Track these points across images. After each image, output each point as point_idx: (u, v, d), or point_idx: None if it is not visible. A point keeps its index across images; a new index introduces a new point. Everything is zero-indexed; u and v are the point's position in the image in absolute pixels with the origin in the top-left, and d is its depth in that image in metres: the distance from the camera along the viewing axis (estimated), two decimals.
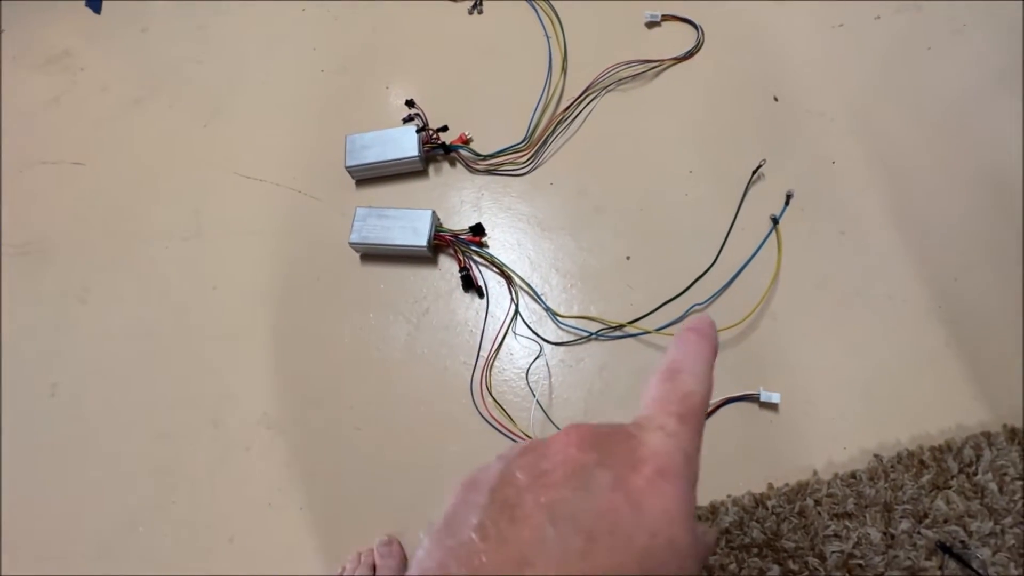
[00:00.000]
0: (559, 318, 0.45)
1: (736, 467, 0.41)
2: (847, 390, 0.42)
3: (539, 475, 0.17)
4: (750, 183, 0.48)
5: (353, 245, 0.49)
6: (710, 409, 0.41)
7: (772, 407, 0.42)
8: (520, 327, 0.46)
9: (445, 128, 0.52)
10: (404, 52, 0.60)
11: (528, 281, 0.47)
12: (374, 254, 0.50)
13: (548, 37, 0.57)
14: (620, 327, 0.45)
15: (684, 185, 0.50)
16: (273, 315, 0.49)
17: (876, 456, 0.40)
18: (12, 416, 0.50)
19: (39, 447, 0.48)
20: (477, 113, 0.54)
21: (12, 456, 0.48)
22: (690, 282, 0.45)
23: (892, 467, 0.39)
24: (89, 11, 0.69)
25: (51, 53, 0.67)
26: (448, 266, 0.49)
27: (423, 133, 0.51)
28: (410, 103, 0.53)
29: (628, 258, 0.48)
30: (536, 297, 0.46)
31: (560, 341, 0.45)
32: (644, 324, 0.45)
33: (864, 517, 0.38)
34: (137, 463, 0.46)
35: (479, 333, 0.46)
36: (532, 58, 0.56)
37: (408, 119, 0.53)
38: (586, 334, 0.45)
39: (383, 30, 0.61)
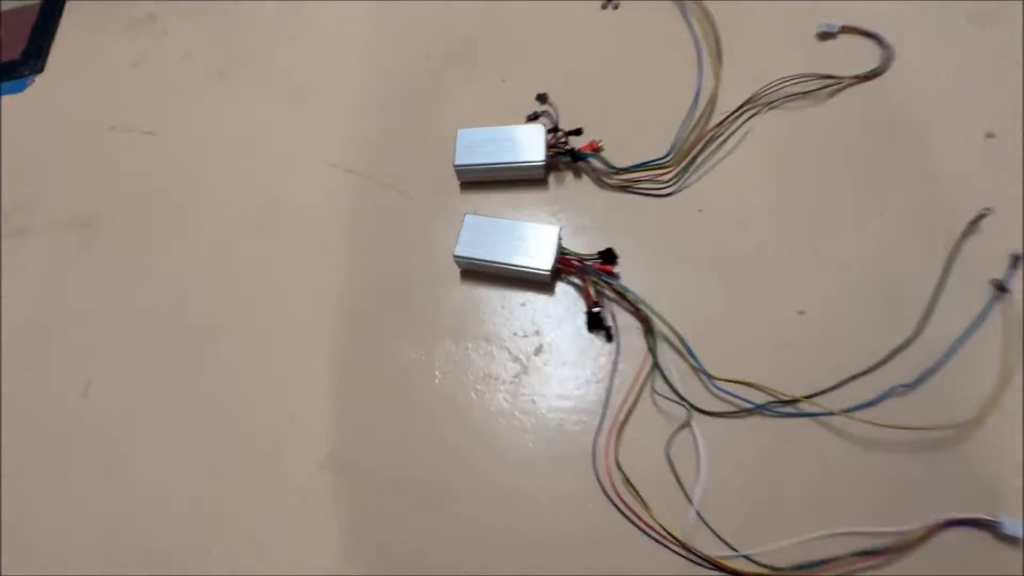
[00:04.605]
0: (714, 380, 0.36)
1: None
2: None
3: None
4: (964, 235, 0.39)
5: (458, 259, 0.40)
6: (923, 533, 0.31)
7: (1015, 542, 0.31)
8: (660, 385, 0.37)
9: (579, 131, 0.44)
10: (524, 44, 0.52)
11: (673, 327, 0.38)
12: (479, 271, 0.42)
13: (698, 39, 0.49)
14: (795, 402, 0.35)
15: (873, 228, 0.40)
16: (351, 332, 0.41)
17: None
18: (39, 411, 0.42)
19: (60, 454, 0.41)
20: (607, 120, 0.46)
21: (30, 460, 0.41)
22: (886, 353, 0.35)
23: None
24: None
25: (135, 16, 0.62)
26: (566, 295, 0.41)
27: (551, 135, 0.43)
28: (542, 98, 0.45)
29: (801, 313, 0.38)
30: (685, 349, 0.37)
31: (714, 411, 0.35)
32: (826, 401, 0.35)
33: None
34: (170, 493, 0.38)
35: (605, 386, 0.37)
36: (677, 62, 0.48)
37: (533, 117, 0.45)
38: (750, 405, 0.35)
39: (502, 18, 0.54)
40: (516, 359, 0.39)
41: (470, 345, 0.40)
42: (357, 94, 0.52)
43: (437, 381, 0.39)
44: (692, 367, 0.37)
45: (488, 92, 0.50)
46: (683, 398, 0.36)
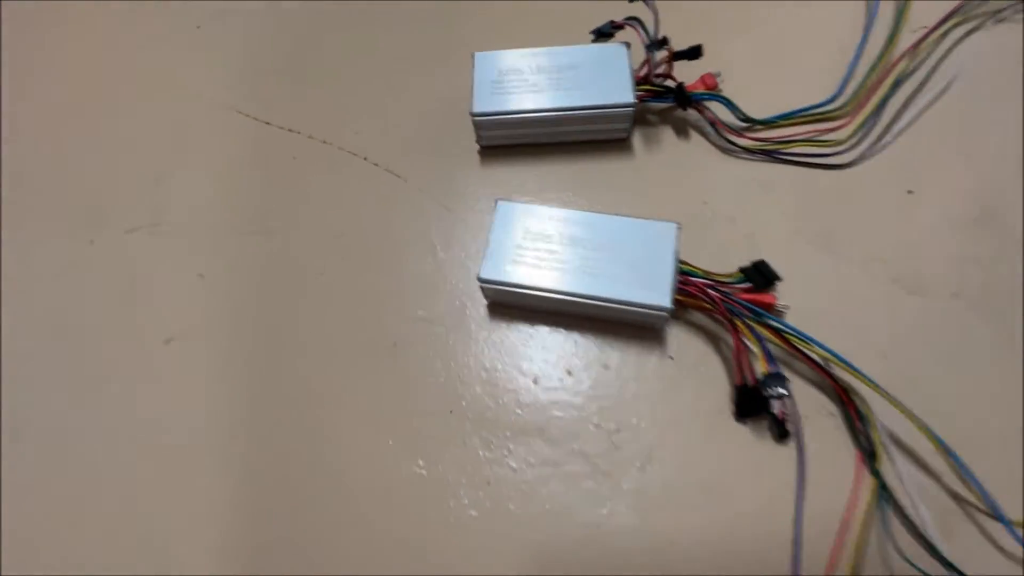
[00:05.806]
0: (1015, 529, 0.18)
1: None
2: None
3: None
4: None
5: (486, 285, 0.22)
6: None
7: None
8: (897, 531, 0.19)
9: (696, 52, 0.25)
10: None
11: (910, 411, 0.20)
12: (521, 306, 0.24)
13: None
14: None
15: None
16: (287, 421, 0.23)
17: None
18: None
19: None
20: (721, 46, 0.28)
21: None
22: None
23: None
24: None
25: None
26: (689, 350, 0.22)
27: (645, 60, 0.25)
28: None
29: None
30: (950, 461, 0.19)
31: None
32: None
33: None
34: None
35: (788, 531, 0.19)
36: None
37: (607, 32, 0.26)
38: None
39: None
40: (604, 474, 0.21)
41: (512, 447, 0.22)
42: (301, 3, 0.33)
43: (452, 519, 0.21)
44: (956, 497, 0.19)
45: (514, 5, 0.31)
46: (953, 566, 0.18)
